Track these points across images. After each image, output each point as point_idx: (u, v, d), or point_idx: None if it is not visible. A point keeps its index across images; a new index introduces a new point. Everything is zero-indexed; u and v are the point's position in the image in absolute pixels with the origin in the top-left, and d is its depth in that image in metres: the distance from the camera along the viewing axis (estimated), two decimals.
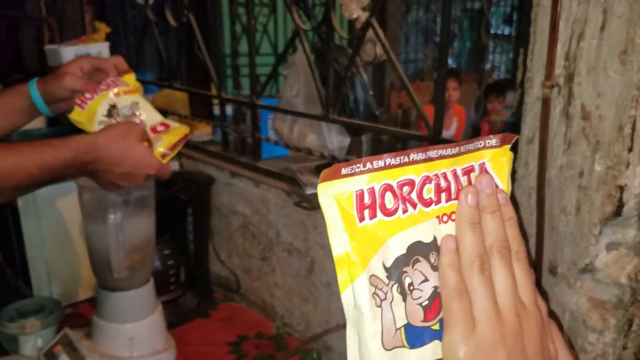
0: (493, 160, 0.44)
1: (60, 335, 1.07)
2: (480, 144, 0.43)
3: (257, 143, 1.38)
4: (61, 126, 1.65)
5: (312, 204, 1.17)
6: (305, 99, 1.22)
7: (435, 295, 0.40)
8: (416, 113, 3.95)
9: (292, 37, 1.18)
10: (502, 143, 0.44)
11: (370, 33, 1.01)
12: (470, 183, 0.43)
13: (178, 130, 0.94)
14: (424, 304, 0.40)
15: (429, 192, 0.40)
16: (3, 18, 2.42)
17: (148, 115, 0.94)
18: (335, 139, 1.20)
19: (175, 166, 1.53)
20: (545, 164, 0.78)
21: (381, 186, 0.39)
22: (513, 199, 0.87)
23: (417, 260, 0.40)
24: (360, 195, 0.38)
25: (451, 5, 0.83)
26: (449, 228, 0.41)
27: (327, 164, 1.24)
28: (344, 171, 0.38)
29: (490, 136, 0.44)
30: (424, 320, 0.40)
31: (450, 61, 6.56)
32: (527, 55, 0.79)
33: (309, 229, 1.21)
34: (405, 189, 0.39)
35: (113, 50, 1.73)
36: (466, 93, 5.19)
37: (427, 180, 0.40)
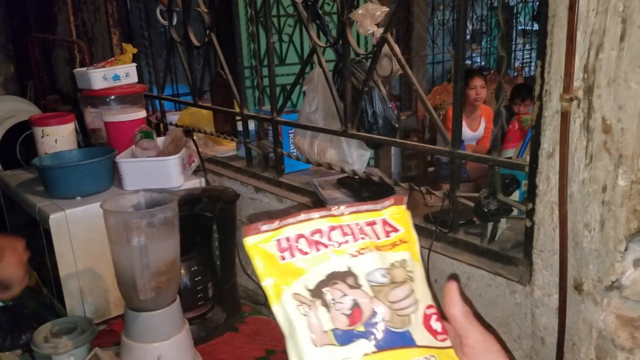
0: (392, 216, 0.55)
1: (90, 355, 1.09)
2: (378, 206, 0.55)
3: (280, 158, 1.39)
4: (93, 147, 1.70)
5: None
6: (324, 114, 1.22)
7: (355, 306, 0.50)
8: (443, 114, 3.88)
9: (309, 54, 1.18)
10: (397, 204, 0.56)
11: (387, 48, 1.01)
12: (374, 232, 0.54)
13: None
14: (346, 312, 0.50)
15: (336, 236, 0.52)
16: (37, 41, 2.51)
17: None
18: (355, 153, 1.19)
19: (201, 182, 1.55)
20: (566, 178, 0.76)
21: (295, 235, 0.51)
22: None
23: (335, 282, 0.51)
24: (278, 242, 0.51)
25: (466, 19, 0.82)
26: (360, 260, 0.51)
27: (348, 178, 1.24)
28: (262, 228, 0.51)
29: (384, 200, 0.56)
30: (349, 325, 0.50)
31: (478, 60, 6.47)
32: (544, 67, 0.77)
33: None
34: (316, 235, 0.52)
35: (139, 70, 1.78)
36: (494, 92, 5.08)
37: (332, 229, 0.52)
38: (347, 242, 0.53)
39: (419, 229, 1.02)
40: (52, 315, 1.34)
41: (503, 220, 0.92)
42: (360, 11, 0.96)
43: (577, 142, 0.75)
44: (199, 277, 1.31)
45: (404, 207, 0.57)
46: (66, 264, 1.32)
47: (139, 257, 0.97)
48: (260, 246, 0.51)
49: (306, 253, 0.52)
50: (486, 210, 0.86)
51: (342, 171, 1.22)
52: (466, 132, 3.65)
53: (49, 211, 1.30)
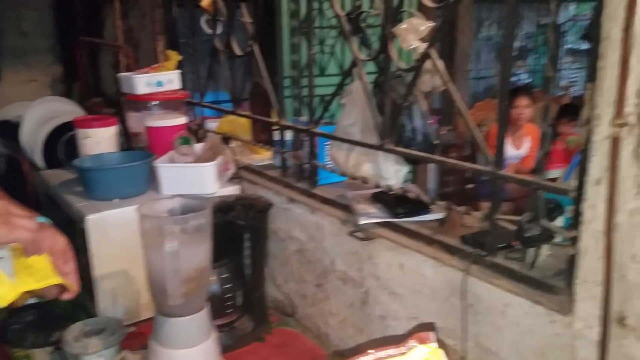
0: (423, 358, 0.57)
1: (118, 357, 1.10)
2: (403, 349, 0.57)
3: (314, 170, 1.38)
4: (133, 150, 1.73)
5: (366, 234, 1.15)
6: (361, 128, 1.20)
7: None
8: (486, 132, 3.80)
9: (349, 67, 1.17)
10: (423, 342, 0.58)
11: (429, 63, 0.99)
12: None
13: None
14: None
15: None
16: (84, 44, 2.59)
17: None
18: (392, 168, 1.17)
19: (236, 190, 1.56)
20: (614, 207, 0.72)
21: None
22: None
23: None
24: None
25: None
26: None
27: (383, 193, 1.22)
28: None
29: (406, 339, 0.57)
30: None
31: (524, 77, 6.34)
32: (594, 90, 0.74)
33: (363, 259, 1.19)
34: None
35: (183, 77, 1.81)
36: (540, 110, 4.96)
37: None
38: None
39: (455, 250, 1.00)
40: (83, 315, 1.36)
41: (545, 246, 0.88)
42: (404, 25, 0.95)
43: (626, 170, 0.71)
44: (229, 285, 1.31)
45: (434, 344, 0.56)
46: (101, 265, 1.34)
47: (170, 262, 0.98)
48: None
49: None
50: (528, 235, 0.82)
51: (378, 186, 1.20)
52: (510, 150, 3.58)
53: (87, 211, 1.32)
